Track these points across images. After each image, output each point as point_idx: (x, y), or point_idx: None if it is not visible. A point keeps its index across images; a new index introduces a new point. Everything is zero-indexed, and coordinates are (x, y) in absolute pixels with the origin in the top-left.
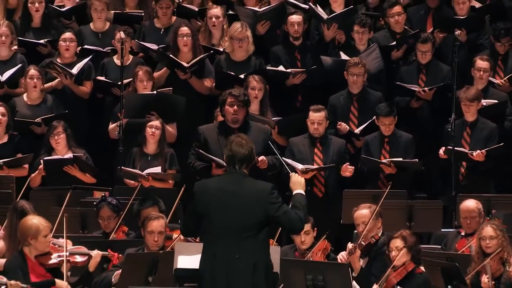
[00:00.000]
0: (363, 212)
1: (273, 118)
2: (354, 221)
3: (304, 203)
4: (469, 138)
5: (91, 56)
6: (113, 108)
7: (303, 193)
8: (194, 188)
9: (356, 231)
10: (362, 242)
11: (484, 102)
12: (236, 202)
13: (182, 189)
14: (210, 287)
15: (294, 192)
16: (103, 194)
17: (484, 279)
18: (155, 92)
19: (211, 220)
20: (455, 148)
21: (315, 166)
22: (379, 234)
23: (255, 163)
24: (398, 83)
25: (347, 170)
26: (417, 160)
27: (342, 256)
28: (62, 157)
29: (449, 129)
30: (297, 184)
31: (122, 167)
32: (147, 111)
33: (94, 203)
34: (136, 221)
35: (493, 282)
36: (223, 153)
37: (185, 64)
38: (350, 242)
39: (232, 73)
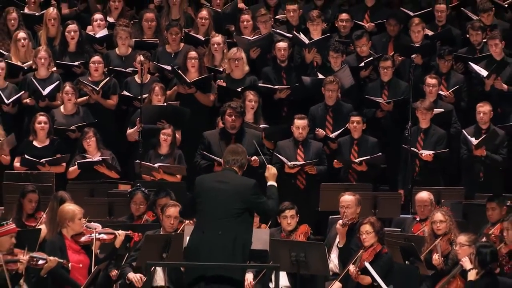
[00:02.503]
0: (347, 197)
1: (261, 126)
2: (339, 204)
3: (277, 194)
4: (422, 142)
5: (112, 75)
6: (132, 116)
7: (275, 184)
8: (196, 180)
9: (331, 216)
10: (348, 221)
11: (435, 111)
12: (224, 190)
13: None
14: (195, 257)
15: (268, 183)
16: (138, 184)
17: (435, 256)
18: (165, 104)
19: (204, 204)
20: (411, 148)
21: (302, 162)
22: (358, 217)
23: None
24: (366, 96)
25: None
26: (380, 153)
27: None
28: (92, 159)
29: (406, 134)
30: (272, 176)
31: (142, 162)
32: (158, 119)
33: (128, 190)
34: (153, 208)
35: (442, 259)
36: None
37: (187, 80)
38: (340, 220)
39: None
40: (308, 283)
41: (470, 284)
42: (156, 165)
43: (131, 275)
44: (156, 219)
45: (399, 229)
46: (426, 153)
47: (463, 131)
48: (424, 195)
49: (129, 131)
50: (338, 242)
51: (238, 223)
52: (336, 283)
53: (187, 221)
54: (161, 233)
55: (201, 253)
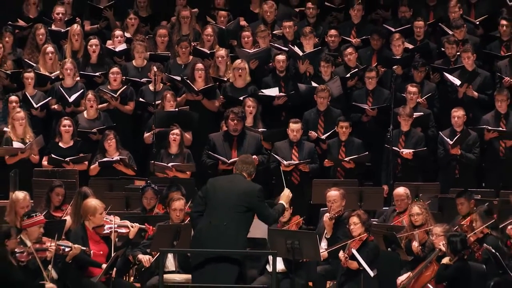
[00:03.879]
0: (333, 193)
1: (260, 129)
2: (326, 198)
3: (281, 210)
4: (403, 143)
5: (129, 84)
6: (147, 121)
7: (285, 205)
8: (209, 180)
9: (322, 209)
10: (335, 214)
11: (414, 115)
12: (232, 189)
13: None
14: (204, 244)
15: (279, 202)
16: (148, 181)
17: (414, 244)
18: (177, 109)
19: (212, 199)
20: (393, 148)
21: (296, 161)
22: (343, 210)
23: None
24: (353, 103)
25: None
26: (367, 152)
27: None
28: (111, 158)
29: (388, 136)
30: (285, 198)
31: (155, 162)
32: (171, 122)
33: (141, 186)
34: (165, 202)
35: (420, 247)
36: (227, 156)
37: (195, 88)
38: (327, 213)
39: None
40: (302, 267)
41: (443, 267)
42: (169, 164)
43: (141, 256)
44: (166, 212)
45: (383, 220)
46: (406, 151)
47: (440, 133)
48: (400, 190)
49: (146, 135)
50: (326, 233)
51: (240, 219)
52: (324, 253)
53: None
54: (171, 223)
55: (208, 239)
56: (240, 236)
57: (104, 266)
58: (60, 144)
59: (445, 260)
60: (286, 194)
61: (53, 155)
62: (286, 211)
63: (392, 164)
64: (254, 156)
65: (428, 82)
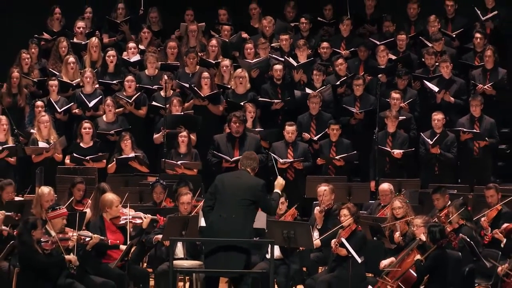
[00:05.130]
0: (323, 188)
1: (258, 129)
2: (317, 193)
3: (277, 199)
4: (391, 143)
5: (142, 91)
6: (157, 123)
7: (280, 193)
8: (217, 177)
9: (314, 202)
10: (325, 207)
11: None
12: (239, 185)
13: None
14: (213, 234)
15: (274, 190)
16: (157, 177)
17: (395, 234)
18: (182, 113)
19: (221, 194)
20: (384, 148)
21: (291, 159)
22: (333, 203)
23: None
24: (343, 105)
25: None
26: (355, 152)
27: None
28: (127, 156)
29: (374, 137)
30: (279, 186)
31: (166, 160)
32: (177, 125)
33: (151, 182)
34: (175, 196)
35: (401, 237)
36: (230, 155)
37: (202, 95)
38: (317, 206)
39: (236, 101)
40: (296, 254)
41: (419, 262)
42: (178, 162)
43: (159, 236)
44: (175, 205)
45: (369, 212)
46: (397, 152)
47: (421, 134)
48: (385, 186)
49: (155, 136)
50: (317, 224)
51: (247, 211)
52: (317, 241)
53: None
54: (179, 215)
55: (219, 230)
56: (247, 226)
57: (122, 247)
58: (81, 144)
59: (417, 257)
60: (280, 183)
61: (75, 154)
62: (281, 197)
63: (381, 162)
64: None
65: (410, 89)
